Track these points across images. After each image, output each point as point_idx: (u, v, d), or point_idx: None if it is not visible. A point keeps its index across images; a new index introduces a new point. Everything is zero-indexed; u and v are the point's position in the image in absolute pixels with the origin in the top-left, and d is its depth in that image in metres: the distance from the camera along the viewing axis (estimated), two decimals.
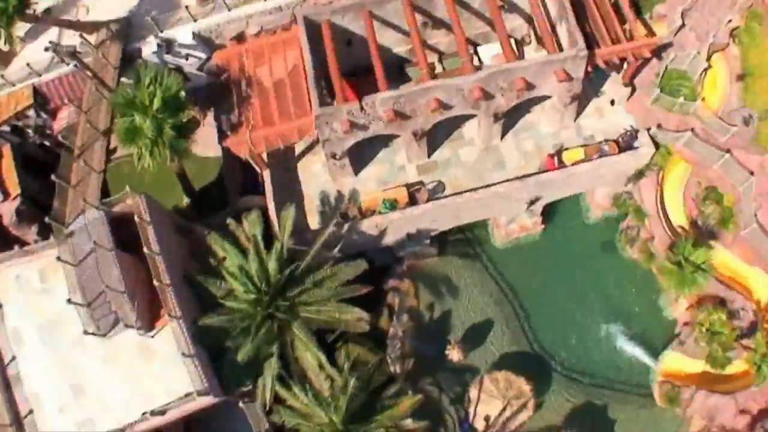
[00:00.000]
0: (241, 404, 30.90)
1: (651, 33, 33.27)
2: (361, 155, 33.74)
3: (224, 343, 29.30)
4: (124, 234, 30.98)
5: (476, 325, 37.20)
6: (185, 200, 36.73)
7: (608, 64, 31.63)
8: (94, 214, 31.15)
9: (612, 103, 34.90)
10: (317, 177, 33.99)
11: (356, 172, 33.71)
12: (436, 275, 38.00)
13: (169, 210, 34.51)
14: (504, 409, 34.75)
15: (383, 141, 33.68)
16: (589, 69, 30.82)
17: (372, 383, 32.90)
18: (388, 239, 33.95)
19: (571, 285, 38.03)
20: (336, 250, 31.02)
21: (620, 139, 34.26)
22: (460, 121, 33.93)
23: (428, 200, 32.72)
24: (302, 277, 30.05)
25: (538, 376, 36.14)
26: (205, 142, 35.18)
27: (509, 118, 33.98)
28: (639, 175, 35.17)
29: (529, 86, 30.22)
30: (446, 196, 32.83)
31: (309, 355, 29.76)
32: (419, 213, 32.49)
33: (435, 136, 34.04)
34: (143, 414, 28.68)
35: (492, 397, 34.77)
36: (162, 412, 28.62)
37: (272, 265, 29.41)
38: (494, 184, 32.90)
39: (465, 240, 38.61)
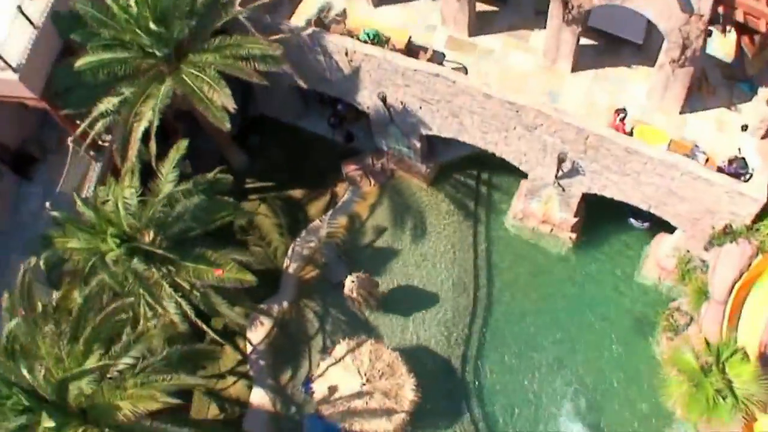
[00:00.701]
0: (70, 140, 24.51)
1: None
2: None
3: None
4: None
5: (414, 291, 26.90)
6: None
7: (751, 36, 20.24)
8: None
9: (744, 128, 22.94)
10: None
11: (376, 2, 25.34)
12: (412, 202, 28.15)
13: None
14: (358, 394, 24.14)
15: None
16: (722, 10, 19.80)
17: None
18: (361, 93, 25.06)
19: (562, 341, 26.36)
20: (274, 37, 23.11)
21: (724, 164, 22.45)
22: (531, 19, 24.47)
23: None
24: (209, 34, 22.77)
25: (435, 401, 25.20)
26: None
27: (598, 58, 24.08)
28: (727, 235, 22.85)
29: None
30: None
31: (144, 120, 22.43)
32: (404, 67, 23.16)
33: (493, 18, 24.97)
34: None
35: (357, 369, 24.25)
36: None
37: None
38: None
39: (472, 190, 28.18)
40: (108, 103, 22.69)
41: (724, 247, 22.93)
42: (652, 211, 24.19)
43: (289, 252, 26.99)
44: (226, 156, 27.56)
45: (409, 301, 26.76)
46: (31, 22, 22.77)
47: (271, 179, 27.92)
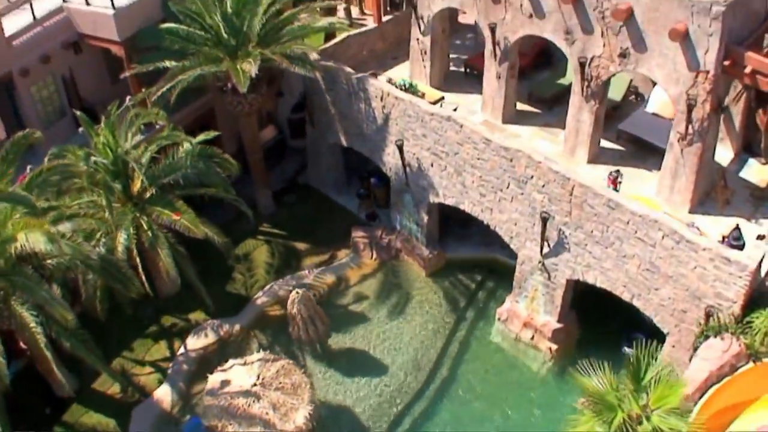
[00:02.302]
0: (122, 75, 26.03)
1: None
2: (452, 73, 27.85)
3: None
4: None
5: (366, 357, 24.21)
6: None
7: (760, 94, 18.51)
8: None
9: (760, 238, 20.17)
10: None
11: (432, 82, 26.95)
12: (404, 284, 26.35)
13: None
14: (244, 392, 21.02)
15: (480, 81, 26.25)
16: (729, 64, 18.89)
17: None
18: (387, 150, 25.67)
19: None
20: (327, 63, 25.73)
21: (722, 239, 19.79)
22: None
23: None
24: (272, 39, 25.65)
25: None
26: None
27: (621, 160, 23.64)
28: (710, 326, 18.73)
29: (637, 42, 20.31)
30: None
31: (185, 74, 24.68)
32: (423, 112, 23.85)
33: (533, 116, 25.83)
34: None
35: (258, 373, 21.40)
36: None
37: None
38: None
39: (469, 292, 25.86)
40: (168, 62, 25.67)
41: (706, 342, 18.61)
42: (634, 302, 20.76)
43: (266, 287, 26.03)
44: (257, 199, 28.68)
45: (356, 364, 23.96)
46: None
47: (286, 229, 28.16)
